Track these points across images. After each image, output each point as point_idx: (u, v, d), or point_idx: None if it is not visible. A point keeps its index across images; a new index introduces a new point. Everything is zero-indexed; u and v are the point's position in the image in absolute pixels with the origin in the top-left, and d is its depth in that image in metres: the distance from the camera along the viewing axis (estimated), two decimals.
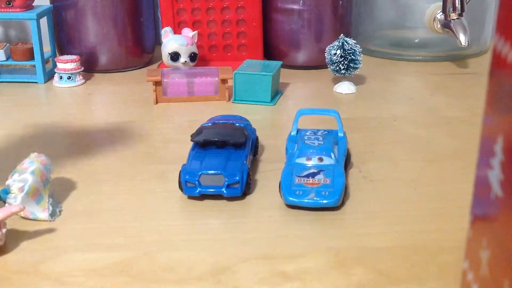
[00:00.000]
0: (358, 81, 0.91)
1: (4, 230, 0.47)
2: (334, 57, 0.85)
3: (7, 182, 0.53)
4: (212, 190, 0.55)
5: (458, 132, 0.72)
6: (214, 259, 0.46)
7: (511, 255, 0.29)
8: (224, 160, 0.57)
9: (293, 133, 0.63)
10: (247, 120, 0.67)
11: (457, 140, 0.69)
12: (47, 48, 0.98)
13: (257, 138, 0.65)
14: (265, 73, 0.82)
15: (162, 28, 0.92)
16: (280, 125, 0.76)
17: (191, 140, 0.60)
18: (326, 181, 0.54)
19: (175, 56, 0.88)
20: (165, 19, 0.96)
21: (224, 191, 0.55)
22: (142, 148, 0.68)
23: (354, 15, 1.03)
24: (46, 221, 0.52)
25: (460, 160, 0.64)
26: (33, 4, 0.96)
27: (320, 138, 0.60)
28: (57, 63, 0.92)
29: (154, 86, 0.83)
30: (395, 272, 0.44)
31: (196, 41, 0.90)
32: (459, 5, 0.93)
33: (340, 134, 0.62)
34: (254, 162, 0.63)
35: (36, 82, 0.94)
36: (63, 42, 1.00)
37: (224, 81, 0.84)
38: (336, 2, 0.98)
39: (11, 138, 0.72)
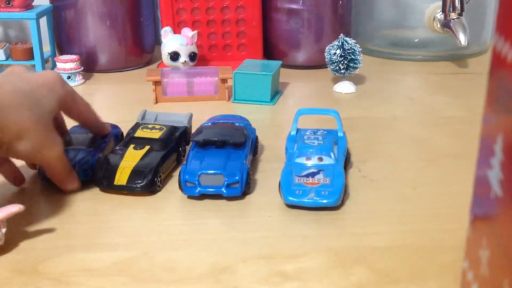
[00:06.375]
0: (358, 80, 0.91)
1: (4, 230, 0.47)
2: (334, 57, 0.85)
3: None
4: (212, 190, 0.55)
5: (458, 132, 0.72)
6: (213, 259, 0.46)
7: (511, 255, 0.29)
8: (223, 160, 0.57)
9: (293, 132, 0.63)
10: (247, 120, 0.67)
11: (457, 140, 0.69)
12: (47, 48, 0.99)
13: (257, 138, 0.65)
14: (265, 73, 0.82)
15: (162, 28, 0.92)
16: (280, 125, 0.76)
17: (191, 140, 0.60)
18: (326, 180, 0.54)
19: (174, 56, 0.87)
20: (165, 19, 0.96)
21: (224, 191, 0.55)
22: None
23: (354, 15, 1.03)
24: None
25: (460, 160, 0.64)
26: (33, 3, 0.96)
27: (320, 138, 0.60)
28: (56, 63, 0.92)
29: (153, 86, 0.83)
30: (395, 272, 0.44)
31: (195, 40, 0.90)
32: (459, 5, 0.93)
33: (340, 134, 0.62)
34: (254, 162, 0.63)
35: None
36: (63, 41, 1.00)
37: (224, 80, 0.84)
38: (336, 2, 0.98)
39: None
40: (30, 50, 0.95)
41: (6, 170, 0.57)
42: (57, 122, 0.60)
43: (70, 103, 0.57)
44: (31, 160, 0.54)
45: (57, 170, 0.55)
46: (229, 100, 0.84)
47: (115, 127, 0.67)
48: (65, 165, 0.55)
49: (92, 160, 0.59)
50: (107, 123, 0.66)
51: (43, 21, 0.97)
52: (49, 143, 0.52)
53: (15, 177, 0.58)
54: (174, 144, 0.62)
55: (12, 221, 0.50)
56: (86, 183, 0.58)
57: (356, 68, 0.86)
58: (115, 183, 0.56)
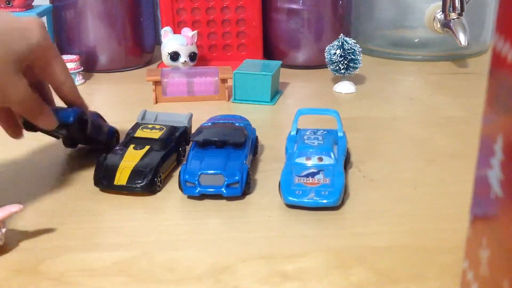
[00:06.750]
0: (358, 80, 0.91)
1: (4, 230, 0.47)
2: (334, 57, 0.85)
3: None
4: (211, 190, 0.55)
5: (458, 132, 0.72)
6: (213, 259, 0.46)
7: (511, 255, 0.29)
8: (223, 160, 0.57)
9: (293, 132, 0.63)
10: (247, 120, 0.67)
11: (457, 140, 0.69)
12: None
13: (256, 138, 0.65)
14: (264, 73, 0.82)
15: (162, 27, 0.92)
16: (279, 125, 0.76)
17: (191, 140, 0.60)
18: (326, 180, 0.54)
19: (174, 56, 0.87)
20: (165, 19, 0.96)
21: (224, 191, 0.55)
22: None
23: (354, 15, 1.03)
24: None
25: (460, 160, 0.64)
26: (33, 3, 0.96)
27: (320, 138, 0.60)
28: None
29: (153, 86, 0.83)
30: (395, 272, 0.44)
31: (195, 40, 0.90)
32: (459, 5, 0.93)
33: (340, 134, 0.62)
34: (254, 162, 0.63)
35: None
36: (63, 42, 1.00)
37: (223, 80, 0.84)
38: (336, 2, 0.98)
39: (10, 138, 0.72)
40: None
41: (3, 120, 0.57)
42: (42, 91, 0.58)
43: (45, 56, 0.54)
44: (1, 103, 0.53)
45: (27, 107, 0.53)
46: (229, 100, 0.84)
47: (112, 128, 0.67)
48: (35, 102, 0.53)
49: (73, 111, 0.58)
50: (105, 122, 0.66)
51: (43, 21, 0.97)
52: (13, 82, 0.50)
53: (12, 127, 0.57)
54: (174, 144, 0.62)
55: (12, 221, 0.50)
56: (80, 178, 0.58)
57: (356, 68, 0.86)
58: (115, 183, 0.56)
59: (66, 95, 0.58)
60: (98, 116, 0.65)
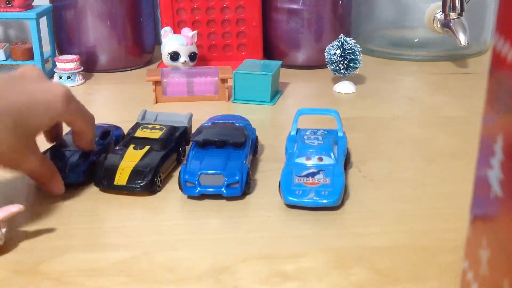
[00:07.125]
0: (358, 80, 0.91)
1: (4, 230, 0.47)
2: (334, 57, 0.85)
3: None
4: (211, 190, 0.55)
5: (458, 132, 0.72)
6: (213, 259, 0.46)
7: (511, 255, 0.29)
8: (223, 160, 0.57)
9: (293, 132, 0.63)
10: (246, 120, 0.67)
11: (457, 140, 0.69)
12: (47, 48, 0.98)
13: (256, 138, 0.65)
14: (264, 72, 0.82)
15: (162, 27, 0.92)
16: (279, 125, 0.76)
17: (191, 140, 0.60)
18: (326, 180, 0.54)
19: (174, 56, 0.87)
20: (164, 19, 0.96)
21: (224, 191, 0.55)
22: None
23: (354, 15, 1.03)
24: None
25: (460, 160, 0.64)
26: (33, 3, 0.96)
27: (320, 138, 0.60)
28: (56, 63, 0.92)
29: (153, 86, 0.83)
30: (395, 272, 0.44)
31: (195, 40, 0.90)
32: (459, 5, 0.93)
33: (340, 134, 0.62)
34: (254, 162, 0.63)
35: None
36: (63, 41, 1.00)
37: (223, 80, 0.84)
38: (336, 2, 0.98)
39: None
40: (30, 50, 0.95)
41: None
42: (53, 128, 0.60)
43: (67, 118, 0.56)
44: (13, 171, 0.54)
45: (38, 177, 0.55)
46: (229, 100, 0.84)
47: (117, 128, 0.67)
48: (47, 172, 0.55)
49: (84, 163, 0.59)
50: (110, 124, 0.66)
51: (43, 21, 0.97)
52: (28, 158, 0.52)
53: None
54: (174, 144, 0.62)
55: (12, 221, 0.50)
56: (81, 184, 0.58)
57: (356, 68, 0.86)
58: (115, 183, 0.56)
59: (82, 146, 0.59)
60: (101, 138, 0.63)
